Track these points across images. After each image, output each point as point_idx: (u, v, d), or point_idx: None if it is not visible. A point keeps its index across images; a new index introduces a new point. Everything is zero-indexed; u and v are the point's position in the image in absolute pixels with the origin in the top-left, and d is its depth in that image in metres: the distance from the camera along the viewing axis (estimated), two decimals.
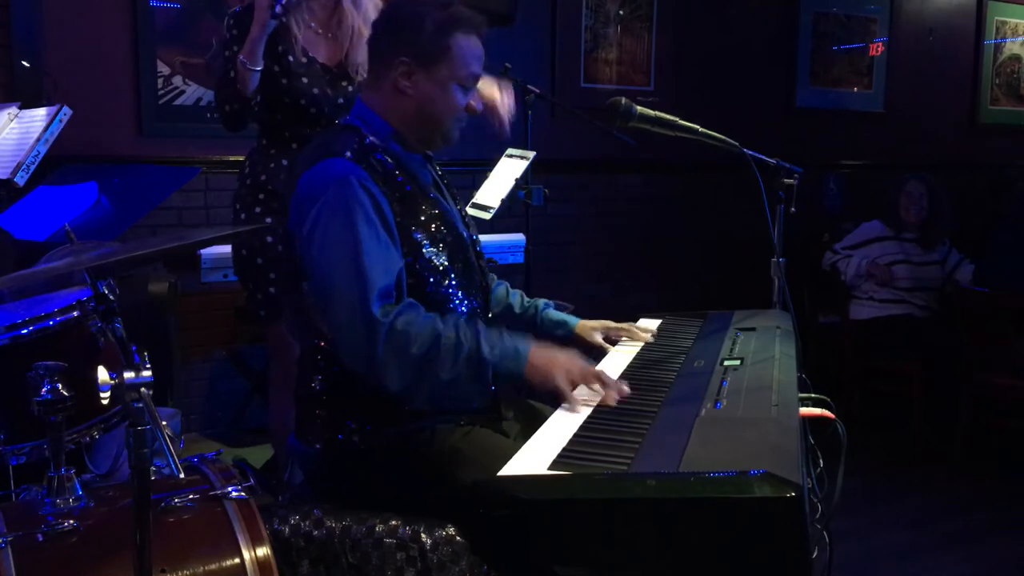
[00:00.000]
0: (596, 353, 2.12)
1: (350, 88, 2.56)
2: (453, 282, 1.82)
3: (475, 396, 1.71)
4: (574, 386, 1.72)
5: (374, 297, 1.64)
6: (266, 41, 2.48)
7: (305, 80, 2.51)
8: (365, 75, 2.55)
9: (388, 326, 1.63)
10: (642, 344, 2.13)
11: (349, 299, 1.64)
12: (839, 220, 5.28)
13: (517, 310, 2.16)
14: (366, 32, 2.56)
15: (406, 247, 1.75)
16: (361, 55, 2.56)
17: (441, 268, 1.79)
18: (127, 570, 1.31)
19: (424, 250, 1.77)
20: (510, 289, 2.20)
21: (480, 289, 1.93)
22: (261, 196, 2.57)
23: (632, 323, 2.25)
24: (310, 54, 2.54)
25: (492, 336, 1.71)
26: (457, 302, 1.83)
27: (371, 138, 1.81)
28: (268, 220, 2.54)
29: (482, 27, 1.84)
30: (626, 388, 1.72)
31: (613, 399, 1.69)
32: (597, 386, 1.72)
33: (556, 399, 1.72)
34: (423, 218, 1.80)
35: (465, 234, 1.92)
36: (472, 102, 1.85)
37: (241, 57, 2.43)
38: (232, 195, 2.70)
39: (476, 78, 1.84)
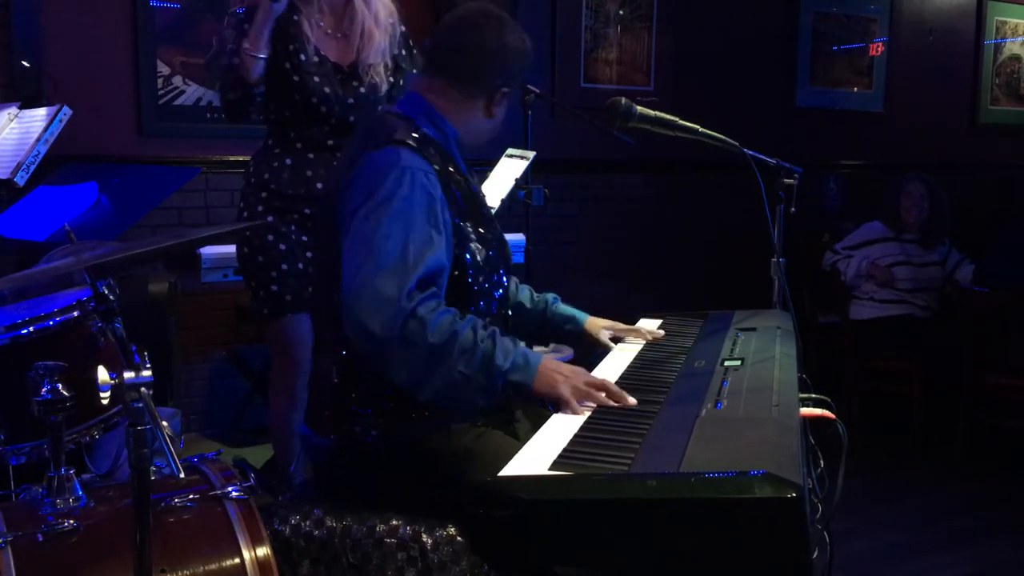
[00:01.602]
0: (600, 351, 2.14)
1: (361, 89, 2.57)
2: (491, 276, 1.85)
3: (481, 400, 1.69)
4: (578, 399, 1.70)
5: (411, 283, 1.63)
6: (278, 38, 2.48)
7: (316, 79, 2.51)
8: (378, 78, 2.57)
9: (410, 312, 1.61)
10: (643, 343, 2.14)
11: (387, 281, 1.62)
12: (839, 220, 5.28)
13: (528, 305, 2.18)
14: (377, 33, 2.58)
15: (456, 237, 1.78)
16: (372, 56, 2.57)
17: (481, 261, 1.82)
18: (127, 570, 1.31)
19: (470, 244, 1.80)
20: (519, 284, 2.21)
21: (507, 286, 1.97)
22: (264, 195, 2.57)
23: (640, 326, 2.26)
24: (322, 53, 2.55)
25: (507, 343, 1.71)
26: (494, 295, 1.87)
27: (427, 131, 1.84)
28: (269, 219, 2.55)
29: None
30: (632, 400, 1.70)
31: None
32: (603, 396, 1.70)
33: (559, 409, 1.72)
34: (470, 210, 1.83)
35: (499, 231, 1.95)
36: None
37: (245, 44, 2.44)
38: (237, 195, 2.70)
39: None
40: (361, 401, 1.76)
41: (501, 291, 1.91)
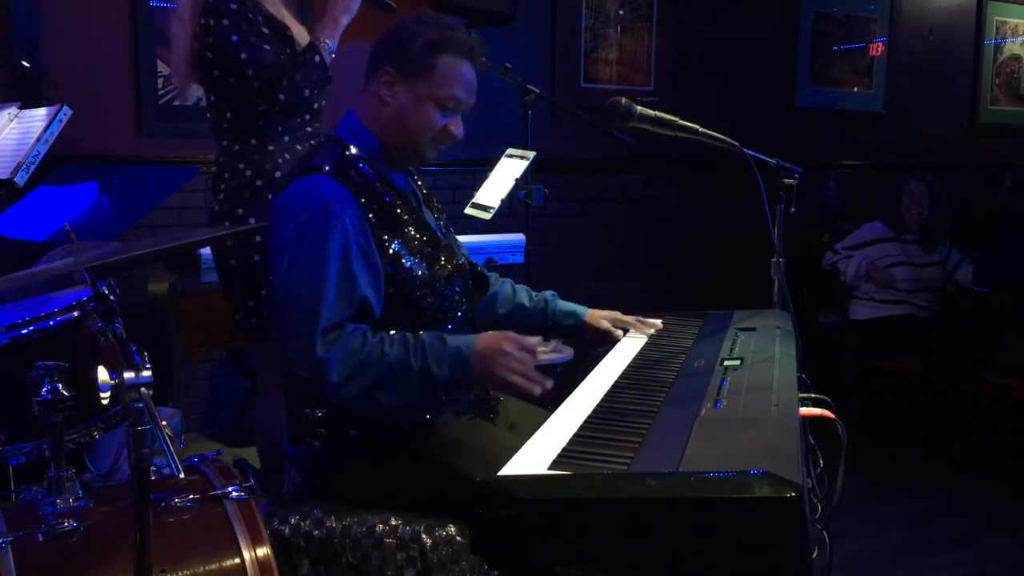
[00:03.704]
0: (604, 340, 2.17)
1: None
2: (435, 291, 1.84)
3: (428, 411, 1.74)
4: (518, 373, 1.67)
5: (319, 334, 1.64)
6: (250, 26, 2.45)
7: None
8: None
9: (329, 360, 1.63)
10: (642, 343, 2.14)
11: (298, 331, 1.65)
12: (839, 220, 5.28)
13: (528, 305, 2.19)
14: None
15: (384, 259, 1.77)
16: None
17: (422, 278, 1.81)
18: (127, 570, 1.31)
19: (404, 261, 1.79)
20: (515, 285, 2.22)
21: (465, 297, 1.95)
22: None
23: (640, 316, 2.28)
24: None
25: (437, 347, 1.69)
26: (439, 312, 1.85)
27: (353, 150, 1.83)
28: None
29: (476, 55, 1.86)
30: (531, 340, 1.70)
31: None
32: (531, 359, 1.69)
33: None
34: (401, 228, 1.82)
35: (444, 243, 1.93)
36: (452, 127, 1.86)
37: (329, 43, 2.47)
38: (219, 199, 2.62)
39: (458, 101, 1.85)
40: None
41: (456, 300, 1.90)
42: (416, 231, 1.84)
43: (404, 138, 1.86)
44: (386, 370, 1.65)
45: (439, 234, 1.93)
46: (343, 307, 1.68)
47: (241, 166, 2.55)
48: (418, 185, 2.04)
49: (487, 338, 1.71)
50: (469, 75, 1.85)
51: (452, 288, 1.89)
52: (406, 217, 1.84)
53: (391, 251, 1.78)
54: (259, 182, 2.54)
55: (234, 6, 2.47)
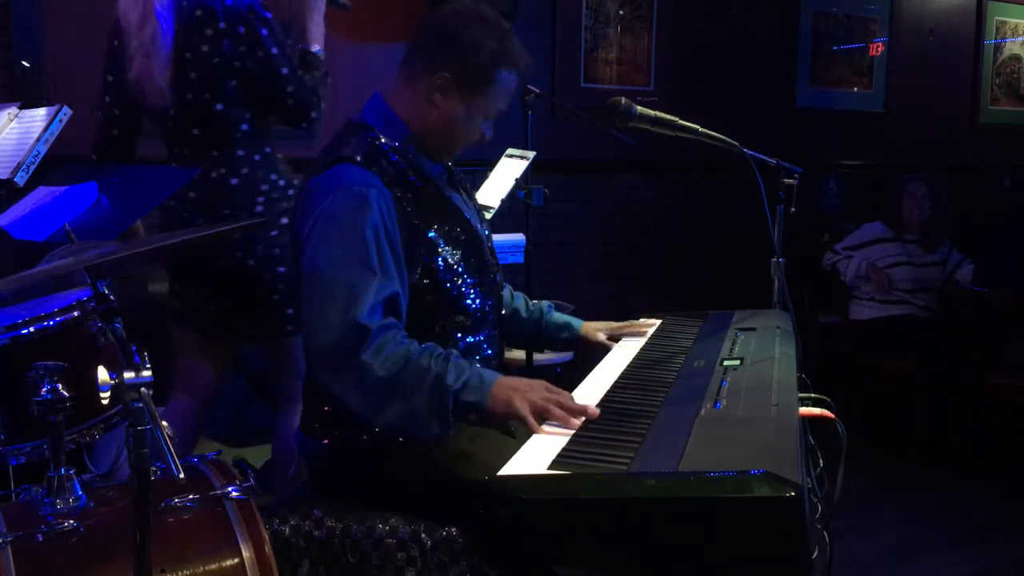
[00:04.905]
0: (600, 352, 2.14)
1: None
2: (468, 280, 1.82)
3: (435, 425, 1.65)
4: (537, 415, 1.61)
5: (365, 309, 1.62)
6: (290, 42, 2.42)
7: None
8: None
9: (357, 347, 1.61)
10: (642, 343, 2.14)
11: (334, 307, 1.63)
12: (839, 220, 5.28)
13: (523, 314, 2.17)
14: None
15: (422, 247, 1.75)
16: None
17: (456, 266, 1.80)
18: (127, 570, 1.31)
19: (440, 248, 1.78)
20: (513, 292, 2.20)
21: (493, 288, 1.94)
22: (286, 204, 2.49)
23: (634, 320, 2.27)
24: None
25: (461, 365, 1.67)
26: (471, 300, 1.84)
27: (383, 139, 1.81)
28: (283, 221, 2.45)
29: (525, 67, 1.85)
30: (594, 410, 1.61)
31: (576, 425, 1.58)
32: (559, 411, 1.60)
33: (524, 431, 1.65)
34: (437, 216, 1.80)
35: (481, 232, 1.92)
36: (486, 130, 1.88)
37: (318, 48, 2.42)
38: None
39: (500, 112, 1.86)
40: None
41: (487, 289, 1.88)
42: (450, 218, 1.82)
43: (446, 141, 1.86)
44: (403, 366, 1.62)
45: (474, 223, 1.91)
46: (378, 287, 1.65)
47: (274, 176, 2.46)
48: (452, 169, 1.99)
49: (518, 378, 1.70)
50: (515, 85, 1.86)
51: (487, 279, 1.88)
52: (440, 204, 1.83)
53: (428, 238, 1.76)
54: (291, 191, 2.47)
55: (267, 14, 2.31)
